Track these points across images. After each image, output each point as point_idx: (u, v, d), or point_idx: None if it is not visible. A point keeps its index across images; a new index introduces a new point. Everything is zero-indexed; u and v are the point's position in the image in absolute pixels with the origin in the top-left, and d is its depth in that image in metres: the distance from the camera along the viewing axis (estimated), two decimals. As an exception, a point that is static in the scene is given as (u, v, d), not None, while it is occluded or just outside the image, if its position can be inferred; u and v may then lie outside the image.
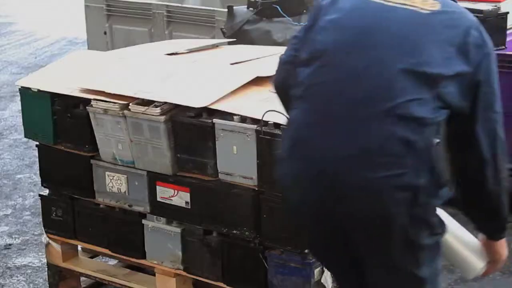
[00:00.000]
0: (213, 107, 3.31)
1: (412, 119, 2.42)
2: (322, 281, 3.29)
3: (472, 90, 2.53)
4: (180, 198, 3.45)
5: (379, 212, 2.44)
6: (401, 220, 2.45)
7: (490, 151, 2.57)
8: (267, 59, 3.83)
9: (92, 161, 3.67)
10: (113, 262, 4.06)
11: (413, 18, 2.52)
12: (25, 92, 3.80)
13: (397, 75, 2.43)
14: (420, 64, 2.45)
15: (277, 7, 5.50)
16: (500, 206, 2.66)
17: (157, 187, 3.49)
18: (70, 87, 3.65)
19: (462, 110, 2.53)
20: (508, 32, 4.89)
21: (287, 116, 2.70)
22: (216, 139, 3.30)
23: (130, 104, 3.46)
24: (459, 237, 2.77)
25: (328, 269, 3.04)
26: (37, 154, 3.92)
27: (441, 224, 2.57)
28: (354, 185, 2.44)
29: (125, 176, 3.58)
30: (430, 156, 2.46)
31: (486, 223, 2.72)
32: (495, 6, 4.87)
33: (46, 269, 4.04)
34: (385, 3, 2.54)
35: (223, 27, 5.61)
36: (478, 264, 2.76)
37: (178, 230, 3.50)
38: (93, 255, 4.02)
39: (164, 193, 3.47)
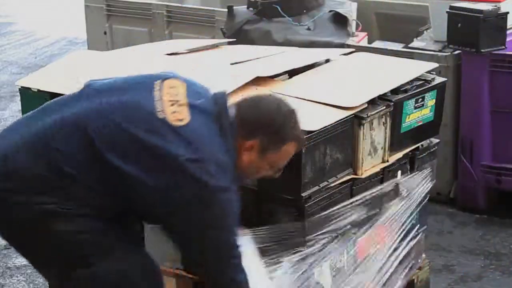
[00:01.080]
0: (213, 107, 3.30)
1: (54, 167, 2.70)
2: (320, 280, 3.30)
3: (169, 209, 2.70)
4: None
5: None
6: None
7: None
8: (267, 59, 3.84)
9: (92, 161, 3.66)
10: (113, 262, 4.05)
11: (143, 108, 2.71)
12: (25, 92, 3.79)
13: (74, 130, 2.71)
14: (95, 137, 2.68)
15: (277, 7, 5.50)
16: None
17: (157, 187, 3.49)
18: (70, 87, 3.64)
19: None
20: (508, 32, 4.89)
21: None
22: (216, 139, 3.29)
23: (130, 104, 3.46)
24: None
25: None
26: (37, 154, 3.91)
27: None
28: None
29: (125, 176, 3.57)
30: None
31: None
32: (495, 6, 4.87)
33: (46, 269, 4.03)
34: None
35: (223, 27, 5.62)
36: None
37: (178, 230, 3.49)
38: (93, 255, 4.01)
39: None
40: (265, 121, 2.79)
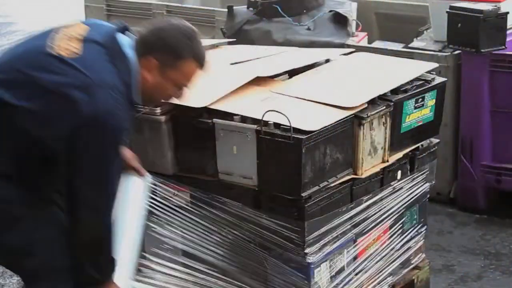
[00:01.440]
0: (213, 107, 3.31)
1: None
2: (319, 280, 3.30)
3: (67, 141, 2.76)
4: (180, 198, 3.45)
5: None
6: None
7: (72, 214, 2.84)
8: (267, 59, 3.84)
9: (92, 161, 3.66)
10: (113, 262, 4.05)
11: (38, 49, 2.84)
12: (25, 92, 3.79)
13: None
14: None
15: (277, 7, 5.50)
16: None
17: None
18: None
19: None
20: (508, 32, 4.90)
21: None
22: (216, 139, 3.30)
23: (130, 104, 3.46)
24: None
25: None
26: (37, 154, 3.90)
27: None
28: None
29: (125, 176, 3.57)
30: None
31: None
32: (495, 6, 4.88)
33: (46, 269, 4.03)
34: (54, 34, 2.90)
35: (223, 27, 5.62)
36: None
37: (178, 230, 3.49)
38: (93, 255, 4.01)
39: (164, 193, 3.48)
40: (159, 37, 2.89)
